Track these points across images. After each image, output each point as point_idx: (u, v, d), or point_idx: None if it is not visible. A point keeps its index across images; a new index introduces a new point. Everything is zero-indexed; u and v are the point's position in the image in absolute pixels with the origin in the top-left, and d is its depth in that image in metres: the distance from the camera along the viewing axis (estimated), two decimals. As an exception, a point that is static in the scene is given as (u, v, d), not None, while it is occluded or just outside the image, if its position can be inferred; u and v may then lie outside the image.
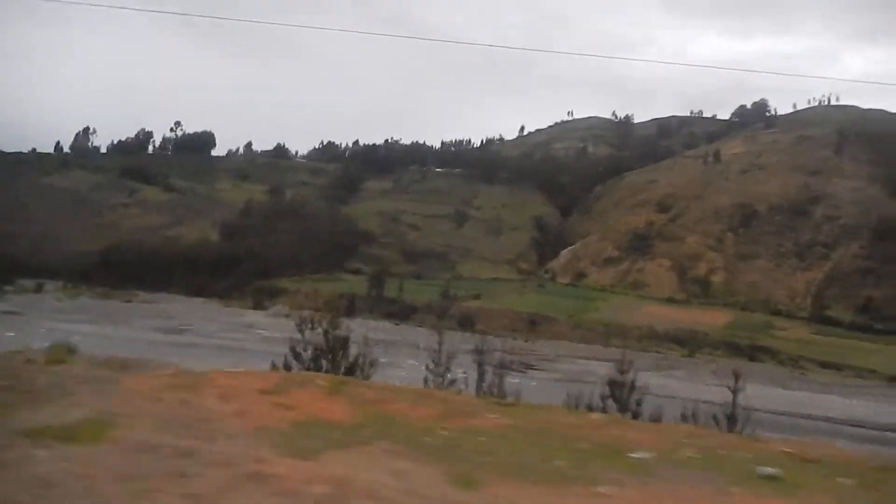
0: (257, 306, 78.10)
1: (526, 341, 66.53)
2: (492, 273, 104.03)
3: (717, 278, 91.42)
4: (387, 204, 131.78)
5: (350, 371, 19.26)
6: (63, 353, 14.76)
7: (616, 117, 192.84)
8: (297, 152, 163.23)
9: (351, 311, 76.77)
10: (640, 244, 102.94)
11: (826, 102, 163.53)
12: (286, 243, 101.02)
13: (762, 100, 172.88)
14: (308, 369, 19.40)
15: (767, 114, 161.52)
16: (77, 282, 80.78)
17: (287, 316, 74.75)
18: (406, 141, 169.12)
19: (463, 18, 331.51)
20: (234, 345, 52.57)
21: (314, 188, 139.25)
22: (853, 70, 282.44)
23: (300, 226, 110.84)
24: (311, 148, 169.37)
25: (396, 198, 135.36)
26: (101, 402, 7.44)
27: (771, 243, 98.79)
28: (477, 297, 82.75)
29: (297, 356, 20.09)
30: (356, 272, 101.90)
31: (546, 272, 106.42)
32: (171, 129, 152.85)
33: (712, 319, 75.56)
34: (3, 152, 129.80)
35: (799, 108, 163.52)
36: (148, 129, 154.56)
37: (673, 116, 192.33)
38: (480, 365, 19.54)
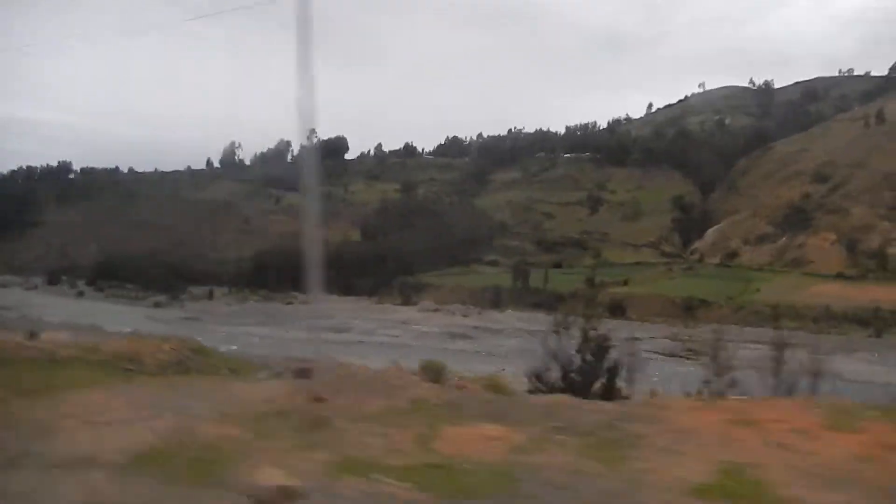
0: (406, 302, 79.98)
1: (685, 327, 63.50)
2: (633, 258, 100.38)
3: (894, 251, 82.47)
4: (517, 194, 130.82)
5: (611, 376, 17.87)
6: (486, 379, 14.82)
7: (753, 85, 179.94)
8: (423, 150, 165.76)
9: (497, 303, 76.92)
10: (797, 218, 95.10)
11: None
12: (422, 239, 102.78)
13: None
14: (565, 375, 18.36)
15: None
16: (239, 286, 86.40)
17: (436, 310, 76.19)
18: (530, 129, 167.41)
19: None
20: (396, 341, 53.78)
21: (443, 183, 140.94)
22: None
23: (434, 221, 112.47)
24: (436, 144, 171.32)
25: (526, 187, 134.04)
26: (692, 448, 6.07)
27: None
28: (625, 282, 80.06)
29: (554, 358, 19.14)
30: (493, 264, 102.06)
31: (692, 253, 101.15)
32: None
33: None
34: (162, 172, 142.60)
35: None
36: (286, 138, 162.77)
37: (818, 78, 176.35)
38: (778, 364, 17.18)
